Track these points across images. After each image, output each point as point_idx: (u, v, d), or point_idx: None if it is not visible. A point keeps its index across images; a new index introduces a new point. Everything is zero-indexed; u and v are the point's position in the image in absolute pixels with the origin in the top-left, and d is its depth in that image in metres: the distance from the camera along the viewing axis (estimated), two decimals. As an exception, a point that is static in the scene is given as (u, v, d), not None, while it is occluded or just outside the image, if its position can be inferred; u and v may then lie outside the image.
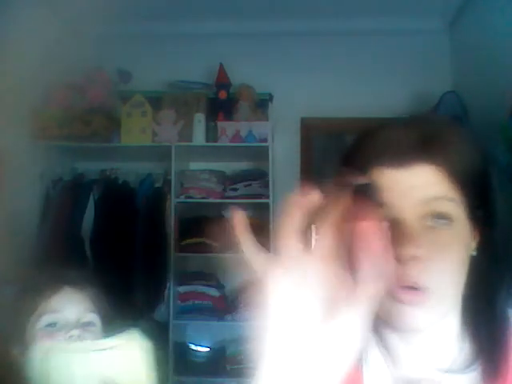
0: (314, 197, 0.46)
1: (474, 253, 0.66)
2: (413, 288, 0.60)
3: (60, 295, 1.01)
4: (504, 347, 0.65)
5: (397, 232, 0.60)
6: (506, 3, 2.55)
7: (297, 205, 0.46)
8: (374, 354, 0.71)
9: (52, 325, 0.98)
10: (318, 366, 0.43)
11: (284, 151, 3.29)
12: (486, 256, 0.66)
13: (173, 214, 2.98)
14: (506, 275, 0.66)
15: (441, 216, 0.61)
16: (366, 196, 0.48)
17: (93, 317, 1.02)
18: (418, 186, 0.61)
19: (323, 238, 0.45)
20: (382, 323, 0.68)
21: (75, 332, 0.97)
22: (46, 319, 0.98)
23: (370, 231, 0.44)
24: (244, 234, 0.48)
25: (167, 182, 3.09)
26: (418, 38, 3.32)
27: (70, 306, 1.00)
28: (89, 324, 1.01)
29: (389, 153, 0.63)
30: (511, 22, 2.51)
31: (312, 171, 3.35)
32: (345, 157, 0.69)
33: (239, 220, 0.48)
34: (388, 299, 0.62)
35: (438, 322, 0.64)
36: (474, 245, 0.67)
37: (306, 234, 0.46)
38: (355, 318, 0.44)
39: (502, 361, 0.65)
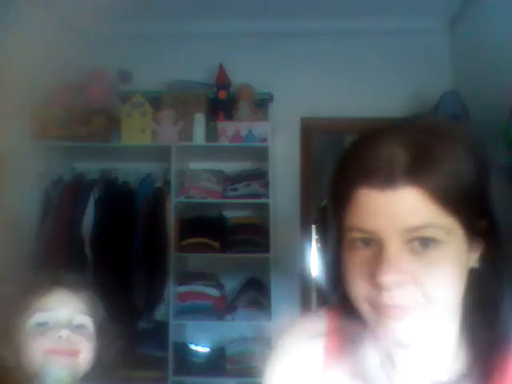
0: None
1: (477, 264, 0.65)
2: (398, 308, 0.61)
3: (53, 295, 1.00)
4: (502, 359, 0.65)
5: (379, 258, 0.60)
6: (506, 3, 2.55)
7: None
8: (375, 362, 0.71)
9: (43, 324, 0.97)
10: None
11: (284, 151, 3.29)
12: (490, 267, 0.65)
13: (173, 214, 2.98)
14: (510, 286, 0.65)
15: (427, 241, 0.59)
16: None
17: (85, 319, 1.01)
18: (403, 213, 0.59)
19: None
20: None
21: (64, 332, 0.96)
22: (37, 318, 0.97)
23: None
24: None
25: (167, 182, 3.08)
26: (418, 38, 3.32)
27: (62, 307, 0.99)
28: (80, 326, 1.00)
29: (372, 173, 0.60)
30: (511, 22, 2.51)
31: (312, 171, 3.35)
32: (333, 173, 0.67)
33: None
34: (378, 317, 0.63)
35: (431, 336, 0.64)
36: (475, 256, 0.65)
37: None
38: None
39: (498, 373, 0.64)
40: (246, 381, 2.88)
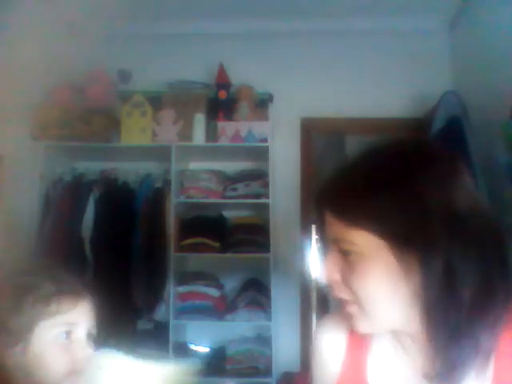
0: None
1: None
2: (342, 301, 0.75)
3: (78, 307, 0.98)
4: (490, 354, 0.68)
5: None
6: (506, 3, 2.55)
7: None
8: (384, 352, 0.79)
9: (66, 335, 0.96)
10: None
11: (284, 151, 3.29)
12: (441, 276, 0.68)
13: (173, 214, 2.98)
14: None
15: (345, 251, 0.73)
16: None
17: (94, 329, 1.01)
18: (328, 229, 0.75)
19: None
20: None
21: (85, 344, 0.96)
22: (60, 329, 0.95)
23: None
24: None
25: (167, 182, 3.08)
26: (418, 38, 3.31)
27: (85, 319, 0.98)
28: (92, 336, 1.00)
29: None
30: (511, 22, 2.51)
31: (312, 171, 3.35)
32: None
33: None
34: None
35: (379, 327, 0.74)
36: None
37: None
38: None
39: (487, 369, 0.67)
40: (245, 381, 2.88)
